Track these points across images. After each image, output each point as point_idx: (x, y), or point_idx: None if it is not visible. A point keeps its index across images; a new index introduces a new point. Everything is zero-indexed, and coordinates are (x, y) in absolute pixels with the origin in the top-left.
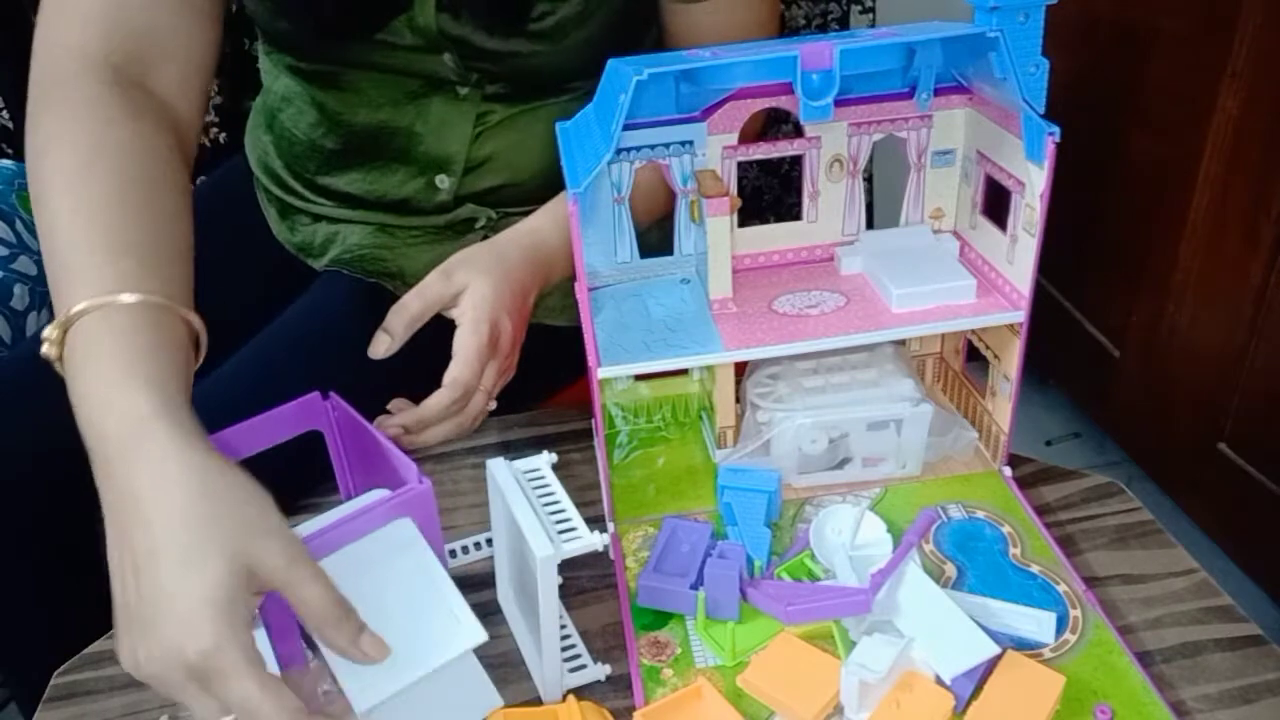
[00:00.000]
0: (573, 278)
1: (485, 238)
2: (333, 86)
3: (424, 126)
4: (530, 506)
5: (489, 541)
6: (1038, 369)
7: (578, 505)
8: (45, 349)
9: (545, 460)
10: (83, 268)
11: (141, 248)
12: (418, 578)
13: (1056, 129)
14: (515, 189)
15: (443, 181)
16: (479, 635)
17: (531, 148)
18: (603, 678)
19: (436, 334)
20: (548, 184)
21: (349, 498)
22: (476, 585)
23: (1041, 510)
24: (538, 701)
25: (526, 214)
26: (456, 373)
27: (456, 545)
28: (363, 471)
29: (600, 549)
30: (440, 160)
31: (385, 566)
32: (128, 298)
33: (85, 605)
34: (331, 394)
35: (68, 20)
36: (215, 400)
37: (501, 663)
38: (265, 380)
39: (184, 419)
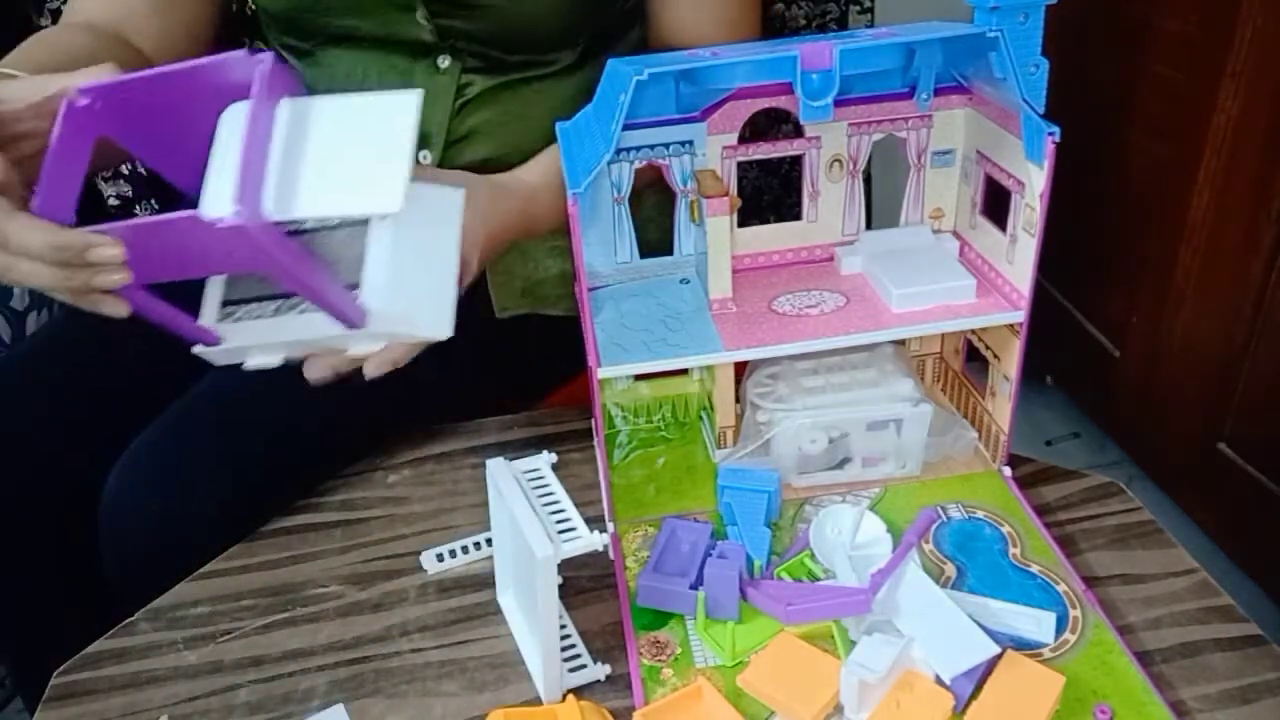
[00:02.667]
0: (555, 233)
1: None
2: (319, 64)
3: None
4: (530, 506)
5: (489, 541)
6: (1038, 369)
7: (578, 505)
8: None
9: (545, 460)
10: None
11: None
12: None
13: (1056, 129)
14: (498, 165)
15: (425, 157)
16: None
17: (513, 124)
18: (602, 678)
19: None
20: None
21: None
22: (476, 585)
23: (1041, 510)
24: (538, 701)
25: None
26: None
27: (456, 545)
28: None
29: (600, 549)
30: (421, 134)
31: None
32: None
33: (85, 605)
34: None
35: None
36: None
37: (501, 663)
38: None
39: None
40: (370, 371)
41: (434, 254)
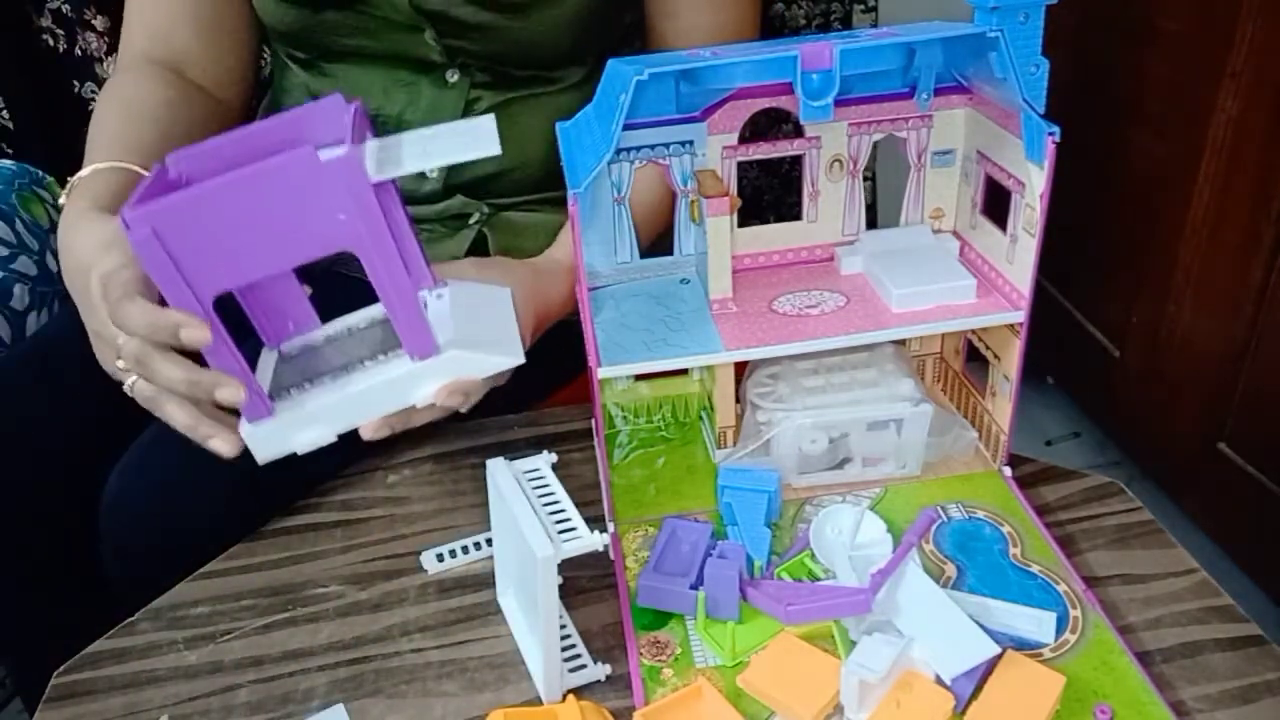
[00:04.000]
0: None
1: (480, 234)
2: (326, 75)
3: (414, 113)
4: (530, 506)
5: (489, 541)
6: (1038, 369)
7: (578, 505)
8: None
9: (545, 460)
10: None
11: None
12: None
13: (1056, 129)
14: (505, 179)
15: (431, 171)
16: None
17: (521, 137)
18: (603, 678)
19: None
20: (538, 176)
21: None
22: (476, 585)
23: (1041, 510)
24: (538, 701)
25: (518, 207)
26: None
27: (456, 545)
28: None
29: (600, 549)
30: None
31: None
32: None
33: (85, 605)
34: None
35: (130, 31)
36: None
37: (501, 663)
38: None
39: (97, 206)
40: (438, 397)
41: (492, 316)
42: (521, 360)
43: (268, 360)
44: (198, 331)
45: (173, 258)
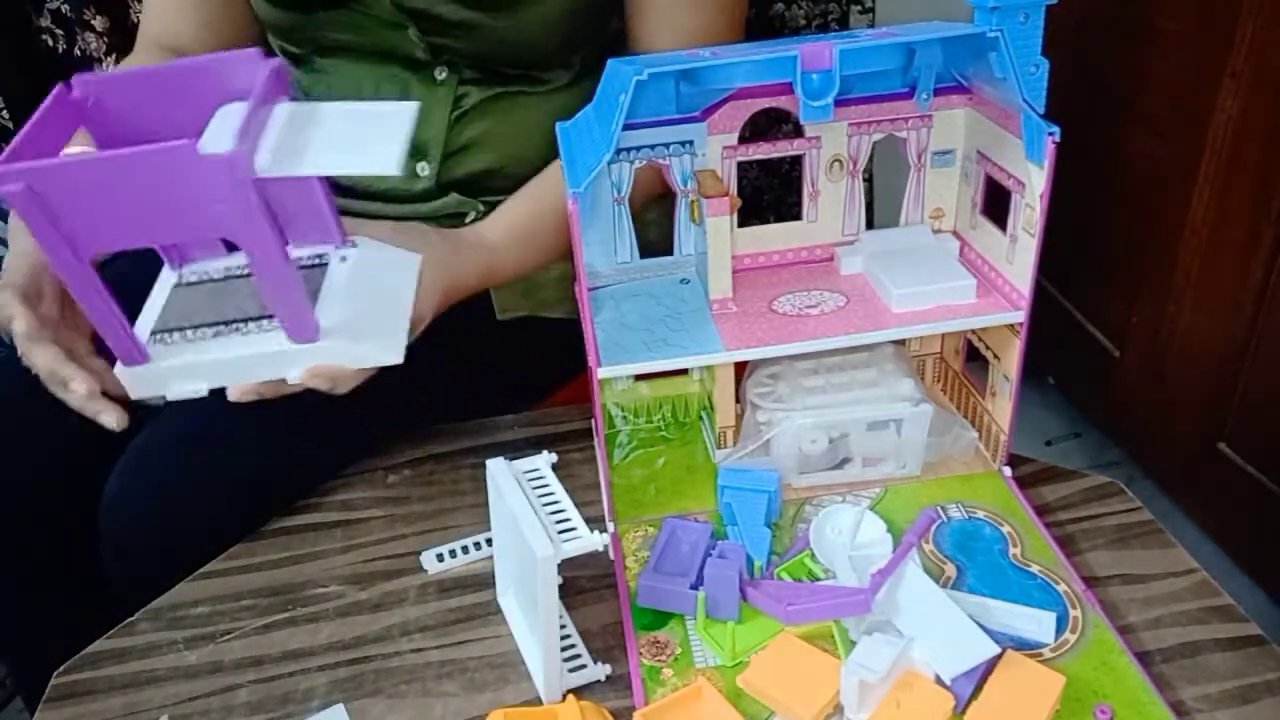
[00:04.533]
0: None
1: None
2: (319, 70)
3: None
4: (530, 506)
5: (489, 541)
6: (1038, 369)
7: (578, 505)
8: None
9: (545, 460)
10: None
11: None
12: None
13: (1056, 129)
14: (497, 176)
15: (423, 169)
16: None
17: (511, 135)
18: (602, 678)
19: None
20: (530, 173)
21: None
22: (476, 585)
23: (1041, 510)
24: (538, 701)
25: None
26: None
27: (456, 545)
28: None
29: (600, 549)
30: (418, 145)
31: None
32: None
33: (85, 605)
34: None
35: (145, 18)
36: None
37: (502, 663)
38: None
39: None
40: (304, 378)
41: (389, 296)
42: (399, 361)
43: (164, 284)
44: (79, 386)
45: (47, 215)
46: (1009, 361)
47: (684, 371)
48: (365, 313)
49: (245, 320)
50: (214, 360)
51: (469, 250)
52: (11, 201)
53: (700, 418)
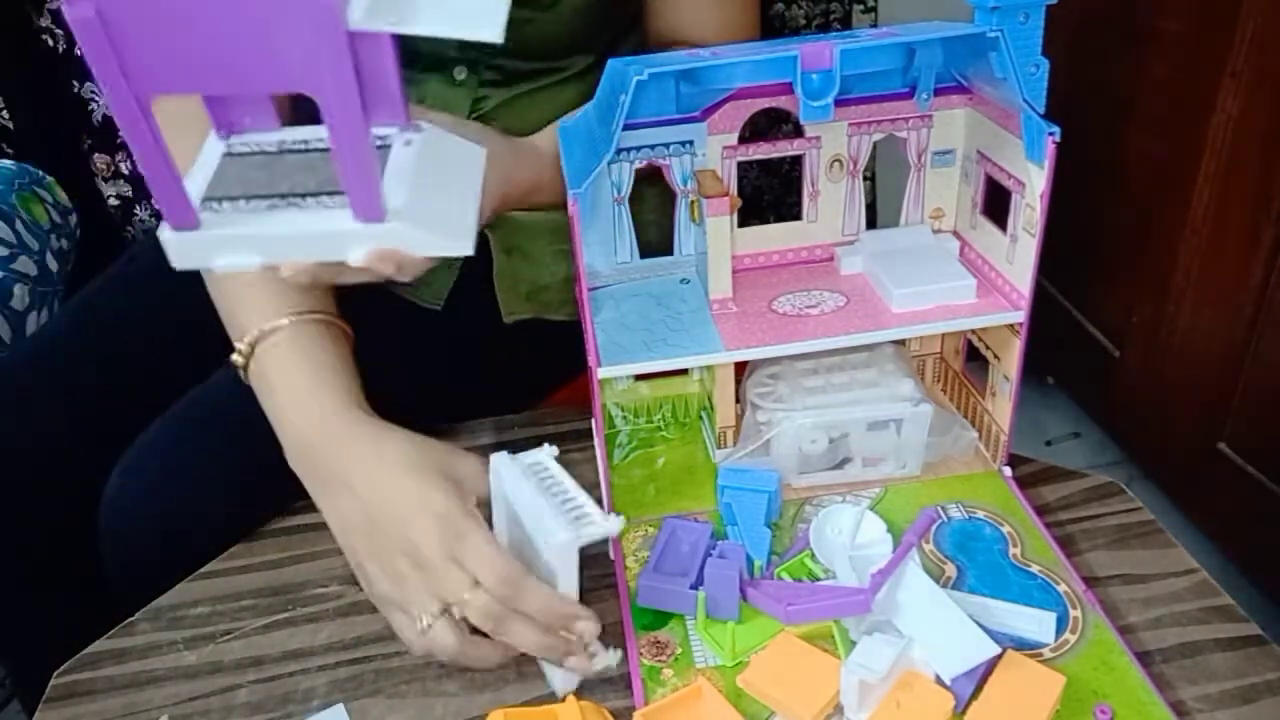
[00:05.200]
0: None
1: (481, 234)
2: None
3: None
4: (541, 496)
5: None
6: (1038, 369)
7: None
8: (235, 358)
9: (548, 453)
10: (255, 295)
11: None
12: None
13: (1057, 129)
14: None
15: None
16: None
17: (527, 132)
18: (614, 664)
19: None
20: None
21: None
22: None
23: (1041, 510)
24: (538, 701)
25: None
26: None
27: None
28: None
29: (617, 533)
30: None
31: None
32: (298, 318)
33: (85, 605)
34: None
35: None
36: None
37: (503, 663)
38: None
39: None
40: (369, 260)
41: (456, 185)
42: (469, 252)
43: (211, 153)
44: (591, 626)
45: (114, 46)
46: (1009, 361)
47: (684, 371)
48: (433, 199)
49: (304, 195)
50: (269, 234)
51: (525, 156)
52: (77, 29)
53: (700, 418)
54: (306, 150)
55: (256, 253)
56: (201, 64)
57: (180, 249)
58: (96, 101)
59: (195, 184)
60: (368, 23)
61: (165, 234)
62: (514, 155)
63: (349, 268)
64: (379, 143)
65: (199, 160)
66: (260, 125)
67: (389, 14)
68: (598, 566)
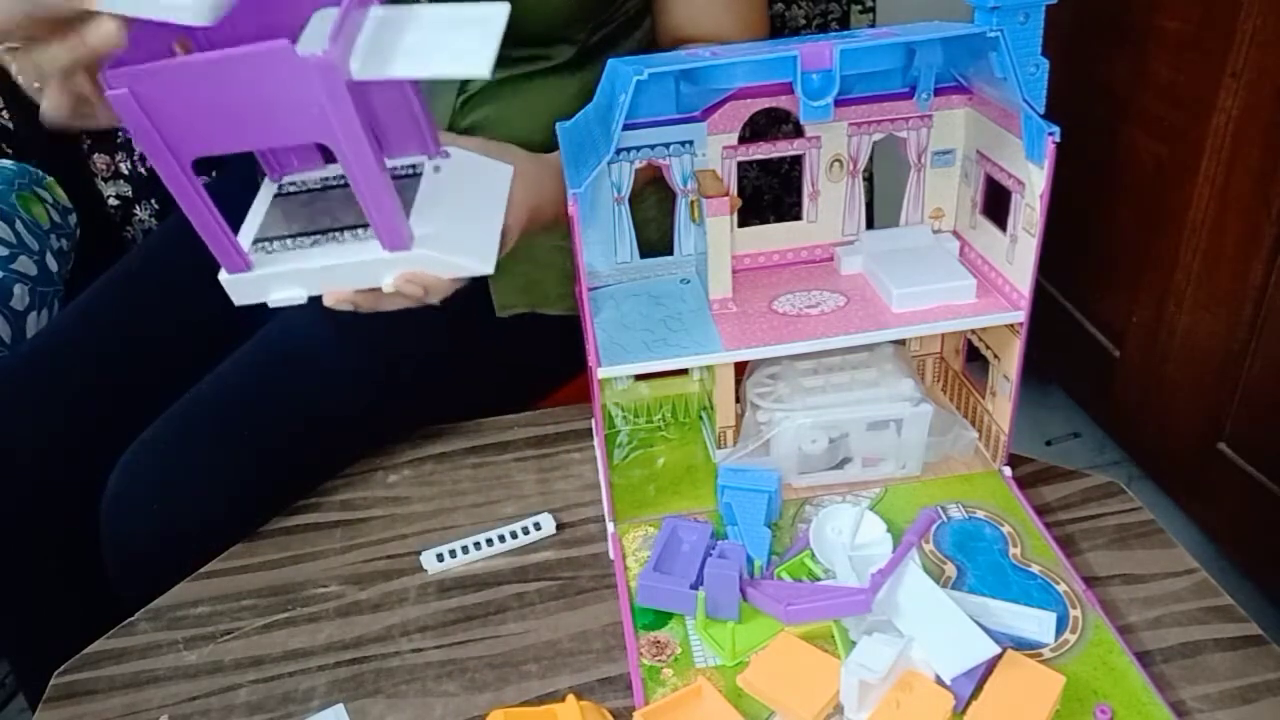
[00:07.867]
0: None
1: None
2: None
3: None
4: None
5: (489, 541)
6: (1038, 369)
7: (577, 505)
8: None
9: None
10: None
11: None
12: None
13: (1056, 129)
14: None
15: None
16: None
17: (515, 119)
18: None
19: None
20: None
21: None
22: (476, 585)
23: (1041, 510)
24: (538, 701)
25: None
26: None
27: (456, 545)
28: None
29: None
30: None
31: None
32: None
33: (85, 605)
34: None
35: None
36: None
37: (502, 663)
38: (269, 364)
39: None
40: (397, 285)
41: (481, 207)
42: (490, 271)
43: (265, 195)
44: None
45: (150, 118)
46: (1009, 361)
47: (684, 371)
48: (458, 222)
49: (343, 229)
50: (312, 268)
51: (553, 174)
52: (116, 105)
53: (700, 418)
54: (345, 184)
55: (302, 286)
56: (229, 127)
57: (237, 288)
58: None
59: (251, 225)
60: (363, 73)
61: (224, 276)
62: (542, 172)
63: (385, 295)
64: (410, 171)
65: (255, 202)
66: (306, 165)
67: (385, 62)
68: (598, 566)
